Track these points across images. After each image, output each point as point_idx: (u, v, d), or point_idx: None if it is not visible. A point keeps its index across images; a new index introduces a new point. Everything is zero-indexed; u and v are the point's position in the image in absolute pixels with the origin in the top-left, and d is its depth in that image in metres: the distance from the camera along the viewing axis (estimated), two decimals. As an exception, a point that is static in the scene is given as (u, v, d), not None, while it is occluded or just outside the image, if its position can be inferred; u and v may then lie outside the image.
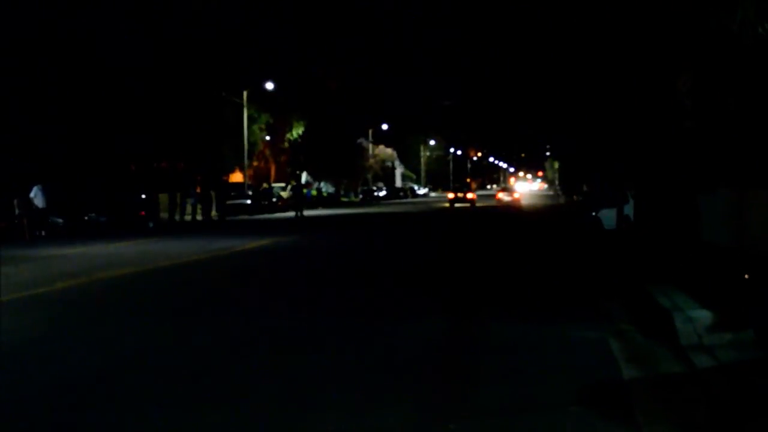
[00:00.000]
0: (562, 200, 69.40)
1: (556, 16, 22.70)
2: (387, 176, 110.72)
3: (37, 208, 32.22)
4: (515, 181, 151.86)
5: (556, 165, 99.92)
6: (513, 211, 55.06)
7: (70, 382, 7.96)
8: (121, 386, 7.78)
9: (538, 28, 25.67)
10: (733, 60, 12.17)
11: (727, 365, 7.95)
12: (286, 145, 71.41)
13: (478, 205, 64.45)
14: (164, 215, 43.86)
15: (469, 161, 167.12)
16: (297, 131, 70.35)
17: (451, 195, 66.64)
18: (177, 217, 44.01)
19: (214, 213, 47.72)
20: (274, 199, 57.80)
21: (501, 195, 79.14)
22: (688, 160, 15.42)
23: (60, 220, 34.06)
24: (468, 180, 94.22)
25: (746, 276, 10.13)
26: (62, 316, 12.05)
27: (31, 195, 32.22)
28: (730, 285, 10.56)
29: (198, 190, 46.21)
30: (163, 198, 44.52)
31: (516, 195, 76.92)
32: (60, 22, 40.29)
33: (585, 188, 46.70)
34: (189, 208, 45.18)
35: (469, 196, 65.78)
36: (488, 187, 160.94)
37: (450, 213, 53.58)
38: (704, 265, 13.08)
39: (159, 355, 9.18)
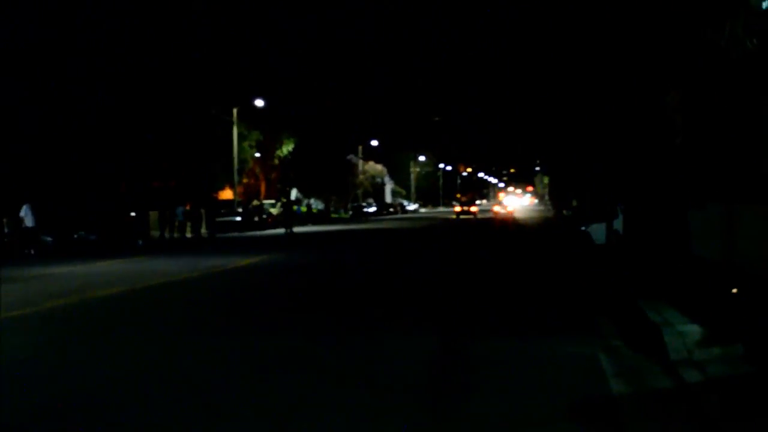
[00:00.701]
0: (550, 214, 70.96)
1: (547, 31, 22.78)
2: (377, 192, 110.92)
3: (26, 226, 32.15)
4: (505, 196, 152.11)
5: (546, 180, 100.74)
6: (508, 222, 61.87)
7: (57, 404, 7.91)
8: (108, 406, 7.73)
9: (528, 44, 25.77)
10: (722, 75, 12.23)
11: (716, 380, 7.96)
12: (276, 162, 71.53)
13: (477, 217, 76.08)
14: (155, 233, 43.81)
15: (458, 177, 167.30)
16: (287, 148, 70.52)
17: (458, 208, 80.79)
18: (167, 235, 43.97)
19: (204, 230, 47.67)
20: (264, 216, 57.75)
21: (497, 208, 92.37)
22: (677, 175, 15.48)
23: (49, 239, 33.96)
24: (458, 195, 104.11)
25: (735, 290, 10.16)
26: (50, 337, 11.96)
27: (21, 214, 32.15)
28: (719, 300, 10.58)
29: (188, 207, 46.15)
30: (153, 216, 44.48)
31: (509, 209, 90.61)
32: (51, 38, 40.31)
33: (574, 203, 46.89)
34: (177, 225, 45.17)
35: (473, 209, 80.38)
36: (477, 202, 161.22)
37: (456, 223, 64.12)
38: (693, 279, 13.11)
39: (148, 374, 9.12)
